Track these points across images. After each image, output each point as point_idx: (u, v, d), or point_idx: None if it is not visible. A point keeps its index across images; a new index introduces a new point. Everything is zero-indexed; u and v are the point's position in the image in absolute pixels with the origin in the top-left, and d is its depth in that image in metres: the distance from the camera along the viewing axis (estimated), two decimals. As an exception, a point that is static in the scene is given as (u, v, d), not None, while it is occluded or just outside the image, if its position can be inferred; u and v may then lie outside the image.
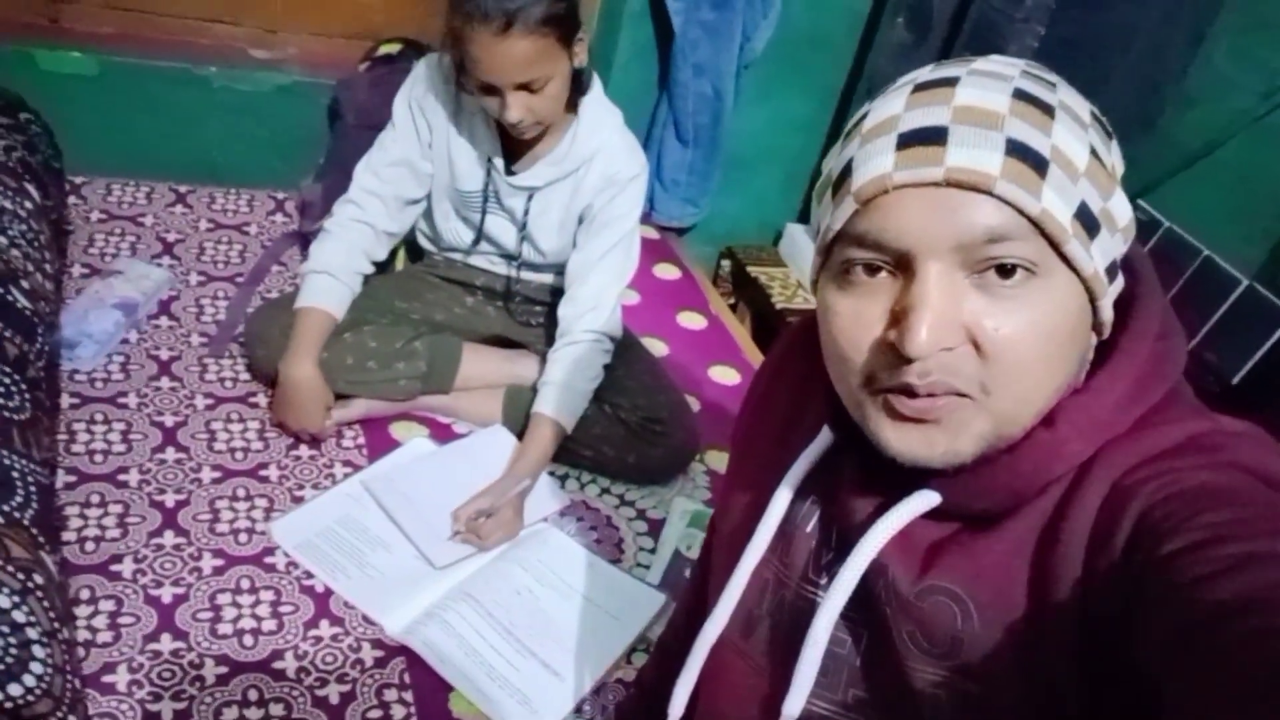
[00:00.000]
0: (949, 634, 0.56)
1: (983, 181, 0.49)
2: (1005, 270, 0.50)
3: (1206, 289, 1.58)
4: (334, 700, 1.06)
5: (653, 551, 1.36)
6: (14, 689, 0.84)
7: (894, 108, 0.53)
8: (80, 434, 1.29)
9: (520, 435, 1.41)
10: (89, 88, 1.77)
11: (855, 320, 0.54)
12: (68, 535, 1.15)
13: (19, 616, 0.88)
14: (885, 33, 2.00)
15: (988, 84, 0.52)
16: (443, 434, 1.48)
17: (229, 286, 1.64)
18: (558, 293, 1.47)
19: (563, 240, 1.46)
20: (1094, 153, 0.52)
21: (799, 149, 2.21)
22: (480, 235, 1.48)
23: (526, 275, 1.53)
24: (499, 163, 1.41)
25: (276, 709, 1.03)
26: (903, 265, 0.52)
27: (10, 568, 0.90)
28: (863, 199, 0.52)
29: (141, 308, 1.51)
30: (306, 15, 1.94)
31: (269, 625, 1.12)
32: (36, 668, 0.87)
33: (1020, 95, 0.51)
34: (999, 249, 0.50)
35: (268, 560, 1.20)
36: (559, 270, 1.48)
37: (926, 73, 0.55)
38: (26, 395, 1.11)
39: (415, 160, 1.43)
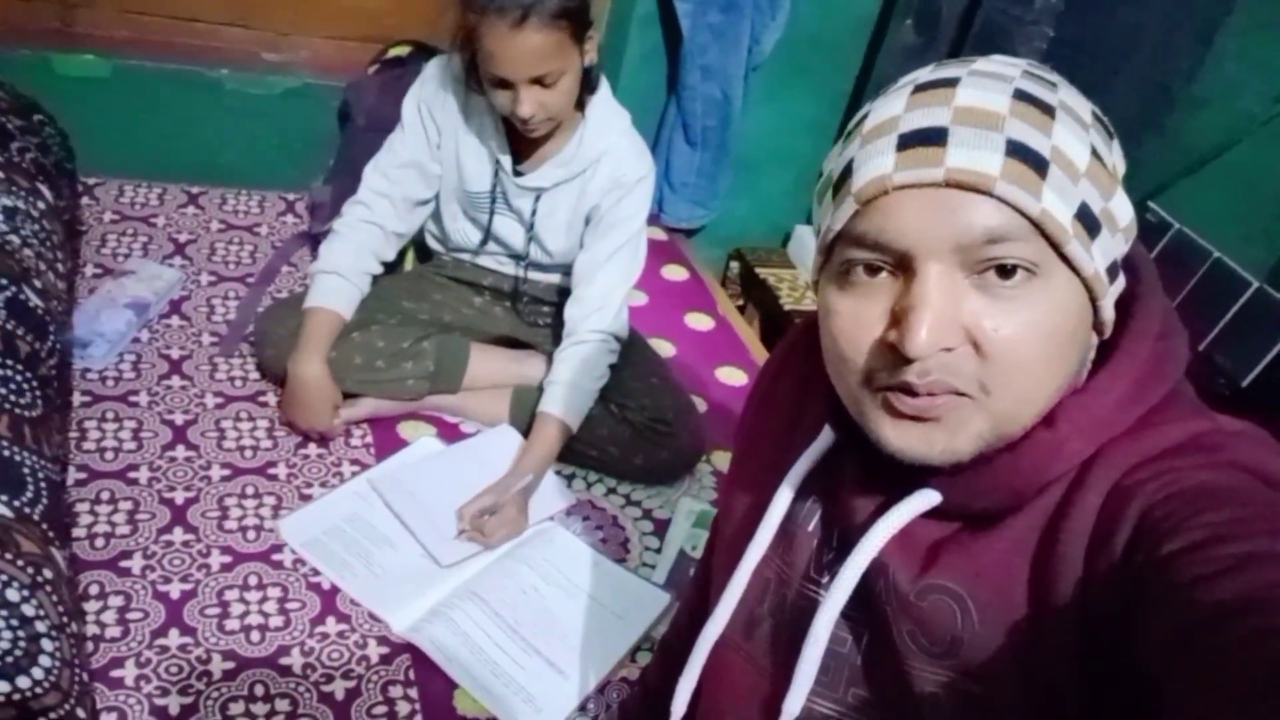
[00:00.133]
0: (949, 633, 0.56)
1: (983, 182, 0.49)
2: (1005, 271, 0.50)
3: (1217, 291, 1.57)
4: (339, 696, 1.06)
5: (658, 551, 1.36)
6: (22, 681, 0.85)
7: (894, 108, 0.53)
8: (91, 431, 1.31)
9: (527, 435, 1.41)
10: (102, 91, 1.79)
11: (855, 320, 0.54)
12: (78, 531, 1.16)
13: (28, 610, 0.89)
14: (893, 35, 2.00)
15: (988, 84, 0.52)
16: (450, 433, 1.48)
17: (240, 287, 1.65)
18: (565, 293, 1.48)
19: (570, 241, 1.46)
20: (1095, 153, 0.52)
21: (807, 151, 2.21)
22: (488, 236, 1.49)
23: (534, 276, 1.53)
24: (507, 164, 1.41)
25: (282, 704, 1.04)
26: (903, 266, 0.52)
27: (20, 562, 0.91)
28: (863, 200, 0.52)
29: (153, 307, 1.53)
30: (317, 19, 1.95)
31: (276, 622, 1.13)
32: (45, 661, 0.88)
33: (1021, 96, 0.51)
34: (999, 250, 0.50)
35: (275, 557, 1.21)
36: (566, 271, 1.49)
37: (927, 73, 0.55)
38: (38, 393, 1.13)
39: (424, 161, 1.44)
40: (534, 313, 1.57)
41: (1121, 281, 0.55)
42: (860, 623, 0.61)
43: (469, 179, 1.44)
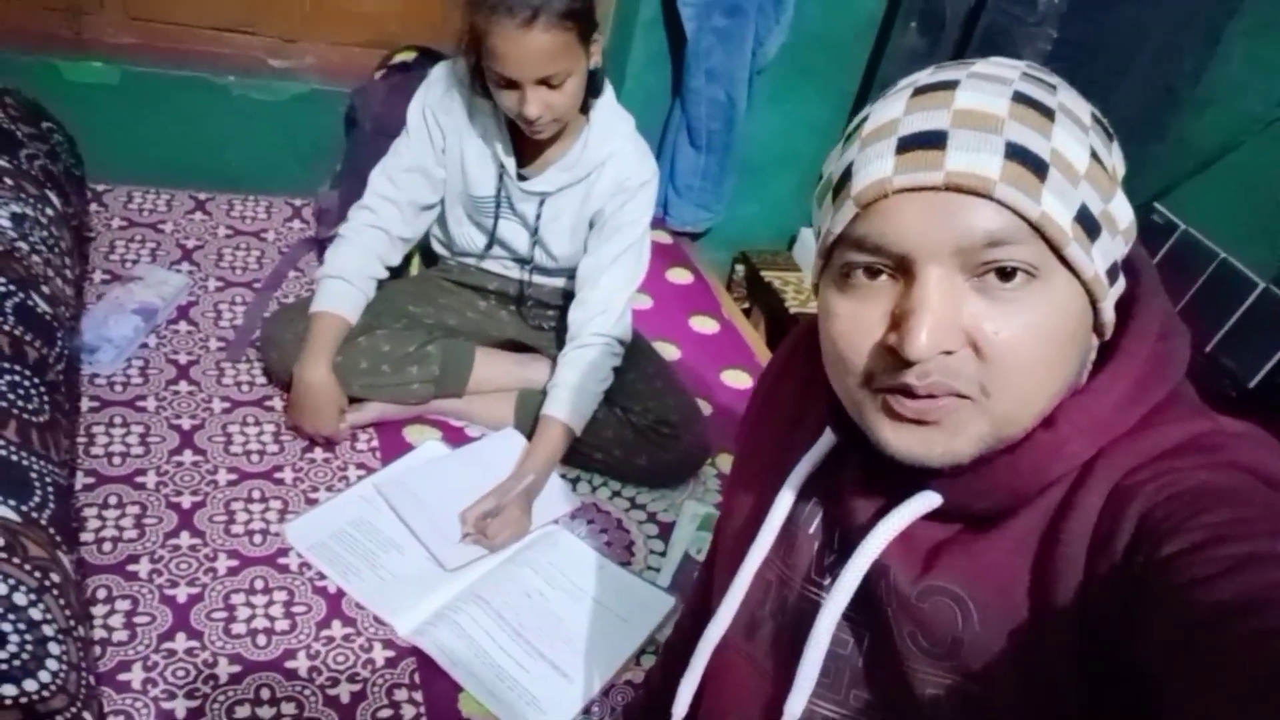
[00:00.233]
0: (949, 635, 0.56)
1: (982, 185, 0.49)
2: (1005, 273, 0.50)
3: (1223, 292, 1.57)
4: (345, 700, 1.07)
5: (663, 554, 1.36)
6: (29, 684, 0.85)
7: (894, 111, 0.53)
8: (99, 436, 1.31)
9: (531, 438, 1.42)
10: (110, 97, 1.80)
11: (855, 323, 0.54)
12: (86, 536, 1.17)
13: (35, 614, 0.89)
14: (898, 37, 1.99)
15: (987, 87, 0.52)
16: (455, 437, 1.49)
17: (246, 292, 1.66)
18: (570, 297, 1.48)
19: (574, 245, 1.47)
20: (1094, 155, 0.52)
21: (812, 153, 2.21)
22: (493, 240, 1.49)
23: (539, 279, 1.54)
24: (511, 168, 1.42)
25: (288, 708, 1.04)
26: (903, 269, 0.52)
27: (27, 566, 0.92)
28: (863, 203, 0.52)
29: (161, 313, 1.53)
30: (323, 25, 1.96)
31: (282, 625, 1.13)
32: (52, 664, 0.88)
33: (1020, 98, 0.51)
34: (999, 252, 0.50)
35: (281, 561, 1.21)
36: (571, 275, 1.49)
37: (926, 76, 0.55)
38: (45, 398, 1.13)
39: (429, 166, 1.45)
40: (539, 316, 1.58)
41: (1122, 283, 0.55)
42: (861, 624, 0.61)
43: (474, 183, 1.44)
